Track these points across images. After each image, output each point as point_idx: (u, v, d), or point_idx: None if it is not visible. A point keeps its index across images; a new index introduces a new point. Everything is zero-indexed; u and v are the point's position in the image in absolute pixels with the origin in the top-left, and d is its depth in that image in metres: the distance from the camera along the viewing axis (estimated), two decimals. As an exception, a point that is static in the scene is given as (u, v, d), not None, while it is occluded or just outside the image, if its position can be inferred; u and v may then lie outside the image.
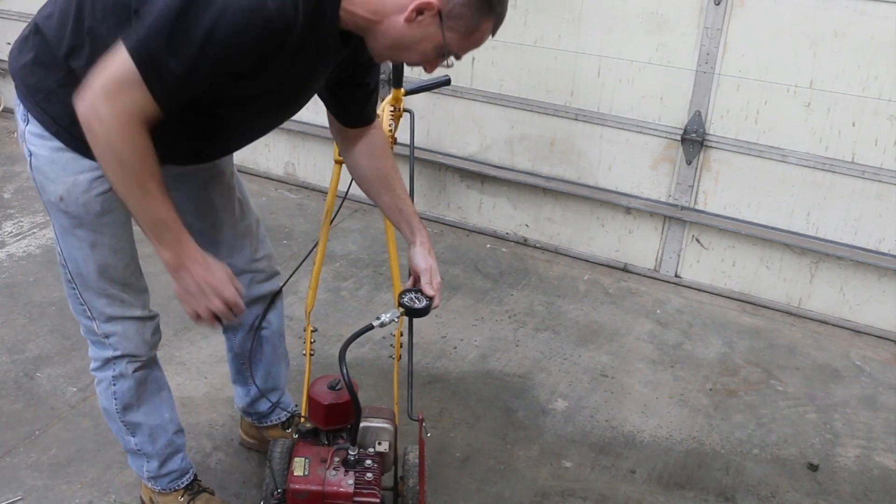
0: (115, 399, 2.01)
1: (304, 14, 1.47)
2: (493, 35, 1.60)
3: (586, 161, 3.64)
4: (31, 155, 1.75)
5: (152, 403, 2.07)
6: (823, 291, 3.37)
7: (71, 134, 1.67)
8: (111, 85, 1.45)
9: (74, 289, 1.88)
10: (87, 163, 1.70)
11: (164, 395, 2.10)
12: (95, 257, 1.81)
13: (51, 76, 1.67)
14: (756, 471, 2.55)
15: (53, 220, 1.82)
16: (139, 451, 2.11)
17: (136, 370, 1.99)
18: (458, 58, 1.60)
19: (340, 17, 1.55)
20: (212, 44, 1.41)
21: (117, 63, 1.45)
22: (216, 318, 1.67)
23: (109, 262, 1.83)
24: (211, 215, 2.04)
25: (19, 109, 1.75)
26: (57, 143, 1.71)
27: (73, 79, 1.58)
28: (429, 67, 1.62)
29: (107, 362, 1.97)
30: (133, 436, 2.08)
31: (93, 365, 2.00)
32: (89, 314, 1.90)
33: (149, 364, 2.02)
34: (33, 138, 1.73)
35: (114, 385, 1.99)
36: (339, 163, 2.32)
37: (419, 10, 1.50)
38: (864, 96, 3.05)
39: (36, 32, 1.69)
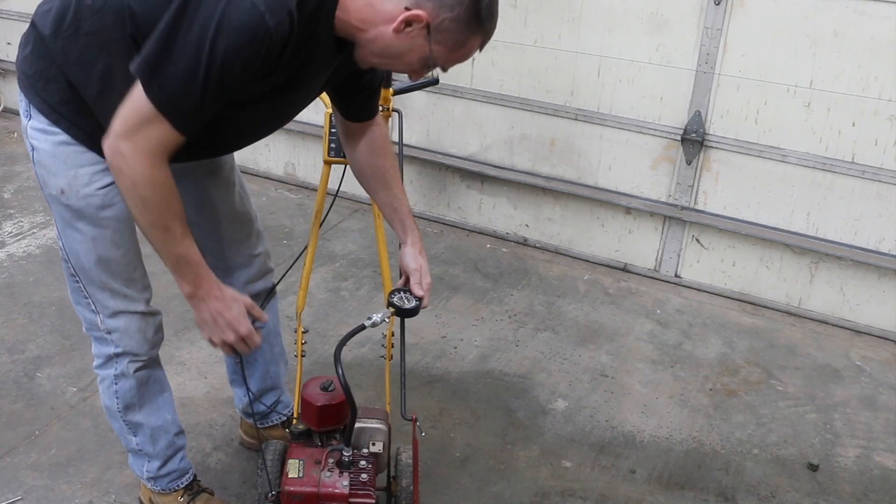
0: (117, 398, 2.02)
1: (300, 23, 1.49)
2: (479, 50, 1.62)
3: (586, 161, 3.64)
4: (33, 150, 1.78)
5: (154, 404, 2.08)
6: (823, 291, 3.37)
7: (70, 121, 1.71)
8: (131, 123, 1.50)
9: (78, 282, 1.89)
10: (88, 156, 1.74)
11: (166, 396, 2.11)
12: (97, 250, 1.83)
13: (48, 65, 1.70)
14: (756, 471, 2.55)
15: (55, 213, 1.84)
16: (140, 451, 2.11)
17: (137, 370, 1.99)
18: (444, 70, 1.62)
19: (335, 24, 1.57)
20: (215, 66, 1.44)
21: (135, 101, 1.49)
22: (232, 348, 1.75)
23: (111, 255, 1.84)
24: (209, 209, 2.05)
25: (22, 104, 1.77)
26: (59, 137, 1.73)
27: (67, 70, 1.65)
28: (413, 76, 1.65)
29: (109, 360, 1.98)
30: (134, 435, 2.09)
31: (95, 362, 2.01)
32: (93, 308, 1.91)
33: (150, 364, 2.03)
34: (35, 133, 1.76)
35: (115, 384, 2.00)
36: (328, 163, 2.33)
37: (408, 22, 1.50)
38: (864, 96, 3.05)
39: (32, 26, 1.73)
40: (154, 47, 1.46)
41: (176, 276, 1.67)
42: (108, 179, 1.77)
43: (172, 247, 1.62)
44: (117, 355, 1.96)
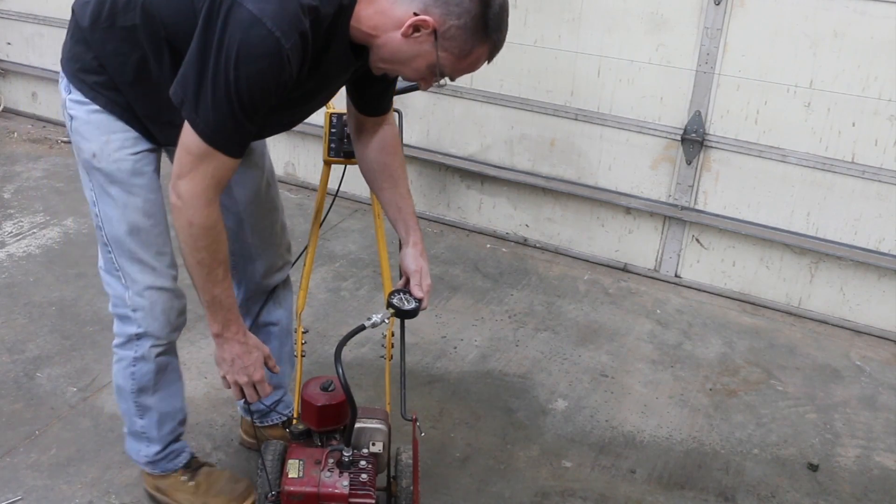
0: (133, 380, 2.04)
1: (314, 41, 1.56)
2: (489, 61, 1.66)
3: (586, 161, 3.64)
4: (71, 119, 1.86)
5: (168, 391, 2.11)
6: (823, 291, 3.37)
7: (107, 98, 1.80)
8: (187, 164, 1.62)
9: (110, 252, 1.93)
10: (120, 124, 1.83)
11: (179, 385, 2.15)
12: (128, 217, 1.88)
13: (85, 50, 1.79)
14: (756, 471, 2.55)
15: (90, 180, 1.89)
16: (143, 434, 2.13)
17: (158, 355, 2.02)
18: (451, 79, 1.66)
19: (350, 33, 1.63)
20: (243, 93, 1.54)
21: (186, 143, 1.61)
22: (241, 391, 1.86)
23: (141, 224, 1.89)
24: (232, 189, 2.06)
25: (62, 82, 1.86)
26: (94, 106, 1.81)
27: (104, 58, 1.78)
28: (423, 84, 1.70)
29: (129, 340, 2.00)
30: (141, 418, 2.11)
31: (116, 341, 2.04)
32: (123, 281, 1.94)
33: (170, 350, 2.07)
34: (73, 104, 1.84)
35: (133, 366, 2.03)
36: (327, 163, 2.33)
37: (416, 27, 1.55)
38: (864, 96, 3.05)
39: (72, 14, 1.82)
40: (190, 84, 1.56)
41: (208, 314, 1.78)
42: (139, 147, 1.85)
43: (212, 287, 1.73)
44: (139, 336, 1.99)
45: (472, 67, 1.65)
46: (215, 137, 1.59)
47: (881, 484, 2.52)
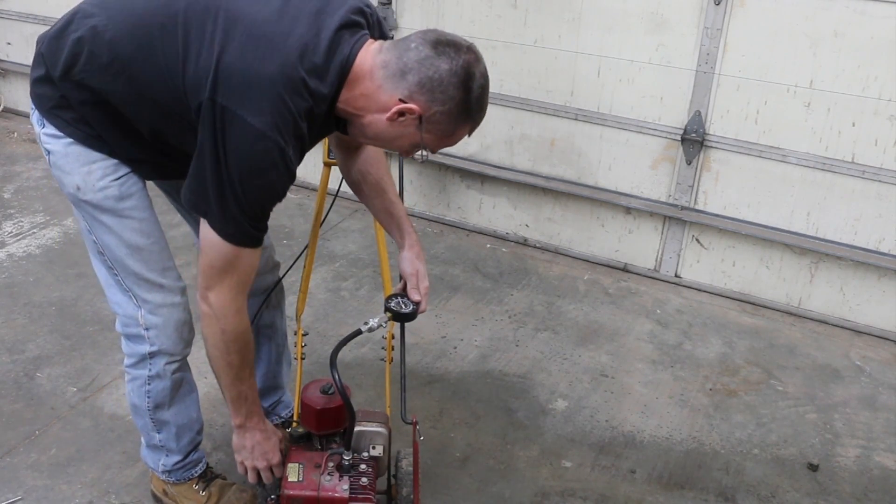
0: (149, 398, 2.04)
1: (310, 133, 1.65)
2: (468, 135, 1.71)
3: (586, 161, 3.63)
4: (48, 153, 1.83)
5: (183, 404, 2.11)
6: (823, 291, 3.37)
7: (84, 132, 1.78)
8: (215, 273, 1.69)
9: (117, 275, 1.91)
10: (99, 154, 1.80)
11: (193, 396, 2.15)
12: (126, 239, 1.87)
13: (55, 92, 1.77)
14: (756, 471, 2.55)
15: (81, 213, 1.88)
16: (162, 446, 2.14)
17: (174, 371, 2.02)
18: (432, 152, 1.72)
19: (336, 111, 1.69)
20: (256, 199, 1.65)
21: (212, 254, 1.68)
22: (257, 475, 1.94)
23: (141, 243, 1.88)
24: None
25: (35, 115, 1.83)
26: (70, 139, 1.79)
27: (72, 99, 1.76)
28: (403, 155, 1.75)
29: (142, 359, 1.99)
30: (159, 432, 2.11)
31: (127, 361, 2.03)
32: (135, 302, 1.93)
33: (184, 366, 2.07)
34: (48, 138, 1.81)
35: (148, 384, 2.02)
36: (327, 165, 2.33)
37: (401, 113, 1.60)
38: (864, 96, 3.04)
39: (41, 55, 1.79)
40: (211, 197, 1.61)
41: (231, 408, 1.86)
42: (122, 171, 1.83)
43: (238, 384, 1.82)
44: (152, 354, 1.98)
45: (453, 143, 1.71)
46: (243, 239, 1.67)
47: (881, 484, 2.52)
